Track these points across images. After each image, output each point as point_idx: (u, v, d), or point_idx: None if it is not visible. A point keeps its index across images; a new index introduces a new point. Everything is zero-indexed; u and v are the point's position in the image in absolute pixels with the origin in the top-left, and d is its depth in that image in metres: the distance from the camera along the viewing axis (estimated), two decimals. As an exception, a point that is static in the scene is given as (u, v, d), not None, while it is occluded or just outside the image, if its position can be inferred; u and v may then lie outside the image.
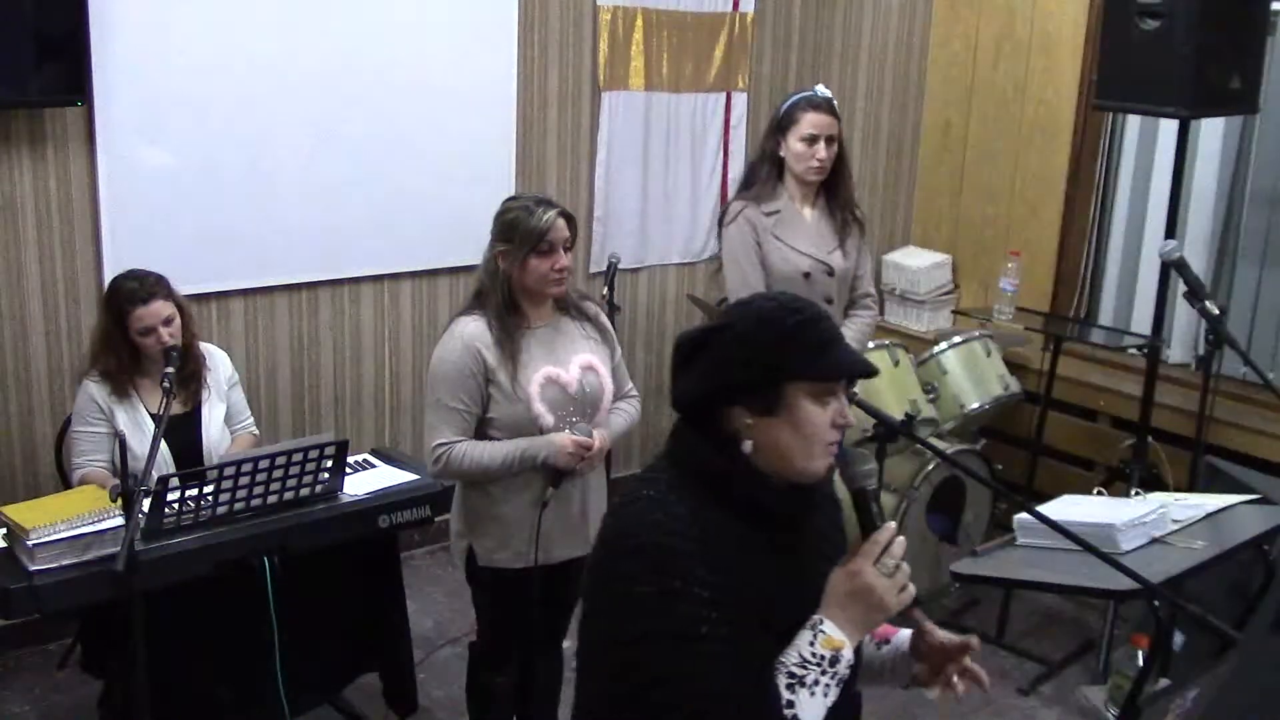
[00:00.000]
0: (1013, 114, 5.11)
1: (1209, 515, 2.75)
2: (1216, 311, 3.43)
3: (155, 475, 2.81)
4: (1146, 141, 4.77)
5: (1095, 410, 4.71)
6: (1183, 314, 4.64)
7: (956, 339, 4.52)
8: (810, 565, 1.69)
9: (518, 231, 2.78)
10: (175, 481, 2.83)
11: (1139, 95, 3.83)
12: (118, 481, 2.61)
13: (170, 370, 2.99)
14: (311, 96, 4.01)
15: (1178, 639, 3.69)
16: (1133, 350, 4.51)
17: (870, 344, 3.96)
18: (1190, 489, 3.84)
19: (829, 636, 1.60)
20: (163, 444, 3.08)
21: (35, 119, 3.57)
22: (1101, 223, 5.02)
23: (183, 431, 3.21)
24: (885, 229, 5.54)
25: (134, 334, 3.12)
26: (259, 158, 3.95)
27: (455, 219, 4.28)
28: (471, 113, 4.37)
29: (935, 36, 5.40)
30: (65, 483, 3.33)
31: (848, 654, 1.60)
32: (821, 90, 3.60)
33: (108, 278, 3.45)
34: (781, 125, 3.55)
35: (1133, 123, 4.82)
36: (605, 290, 4.52)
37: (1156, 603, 2.74)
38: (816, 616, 1.62)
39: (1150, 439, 4.09)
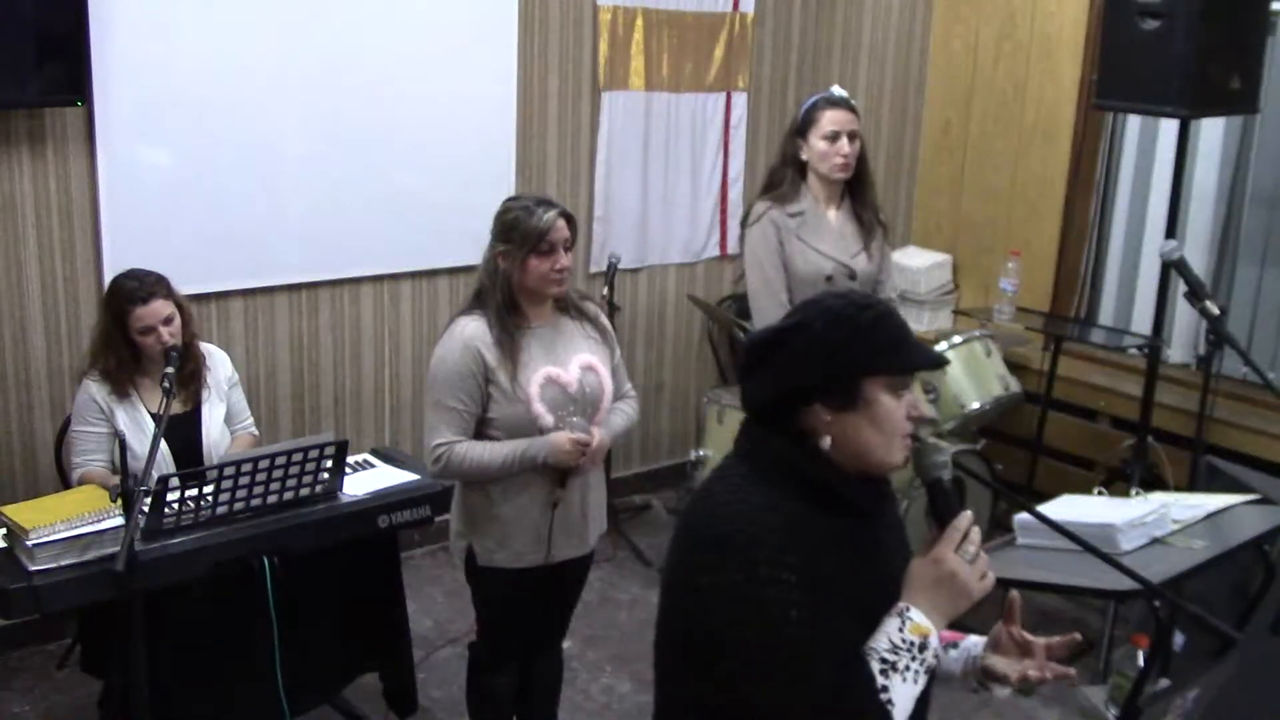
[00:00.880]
0: (1013, 114, 5.11)
1: (1209, 515, 2.75)
2: (1216, 311, 3.42)
3: (155, 475, 2.81)
4: (1146, 141, 4.77)
5: (1095, 410, 4.71)
6: (1183, 314, 4.64)
7: (956, 339, 4.52)
8: (885, 555, 1.73)
9: (518, 232, 2.78)
10: (175, 481, 2.82)
11: (1139, 95, 3.83)
12: (118, 481, 2.61)
13: (170, 370, 2.99)
14: (311, 96, 4.01)
15: (1178, 639, 3.69)
16: (1133, 350, 4.51)
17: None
18: (1190, 489, 3.83)
19: (916, 623, 1.63)
20: (163, 444, 3.08)
21: (35, 119, 3.57)
22: (1101, 223, 5.02)
23: (183, 431, 3.21)
24: (887, 225, 5.53)
25: (134, 334, 3.12)
26: (259, 158, 3.95)
27: (455, 219, 4.28)
28: (471, 112, 4.37)
29: (935, 36, 5.40)
30: (65, 483, 3.33)
31: (934, 641, 1.64)
32: (838, 90, 3.60)
33: (108, 278, 3.44)
34: (802, 127, 3.54)
35: (1133, 123, 4.82)
36: (605, 290, 4.53)
37: (1156, 603, 2.74)
38: (902, 604, 1.65)
39: (1150, 439, 4.09)
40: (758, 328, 3.44)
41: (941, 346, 4.51)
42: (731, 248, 5.11)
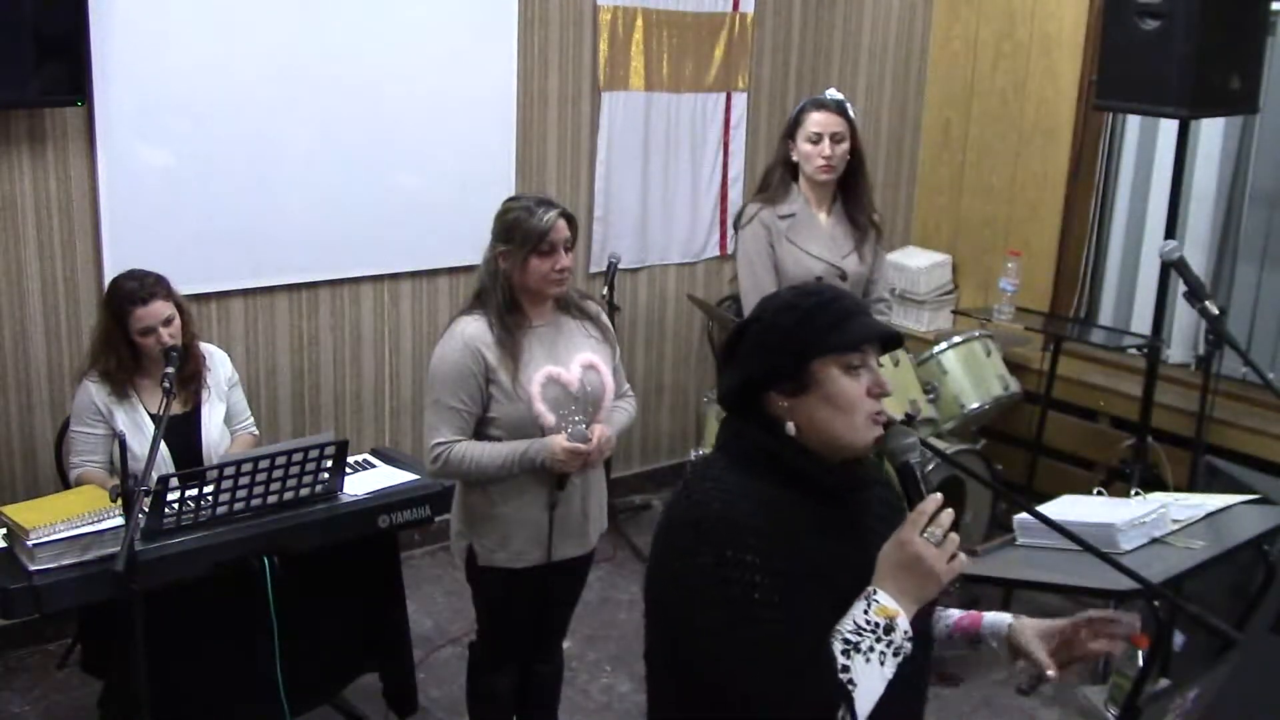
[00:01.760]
0: (1013, 114, 5.11)
1: (1209, 515, 2.75)
2: (1216, 311, 3.42)
3: (155, 475, 2.81)
4: (1146, 141, 4.77)
5: (1095, 410, 4.71)
6: (1183, 314, 4.64)
7: (956, 339, 4.52)
8: (868, 542, 1.73)
9: (519, 232, 2.78)
10: (175, 481, 2.83)
11: (1139, 95, 3.83)
12: (117, 481, 2.61)
13: (170, 370, 2.99)
14: (312, 96, 4.01)
15: (1178, 639, 3.69)
16: (1133, 350, 4.51)
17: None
18: (1190, 489, 3.84)
19: (882, 605, 1.63)
20: (162, 444, 3.08)
21: (35, 119, 3.57)
22: (1101, 223, 5.02)
23: (182, 432, 3.21)
24: (885, 229, 5.51)
25: (134, 334, 3.12)
26: (259, 158, 3.95)
27: (455, 219, 4.28)
28: (471, 113, 4.37)
29: (935, 36, 5.40)
30: (65, 483, 3.33)
31: (903, 623, 1.63)
32: (831, 93, 3.62)
33: (108, 278, 3.44)
34: (791, 128, 3.60)
35: (1133, 123, 4.82)
36: (605, 290, 4.53)
37: (1156, 603, 2.74)
38: (870, 587, 1.66)
39: (1150, 439, 4.09)
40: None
41: (941, 346, 4.52)
42: (731, 248, 5.11)
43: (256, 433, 3.53)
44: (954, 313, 5.30)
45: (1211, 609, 2.21)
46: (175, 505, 2.83)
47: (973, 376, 4.48)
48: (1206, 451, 4.03)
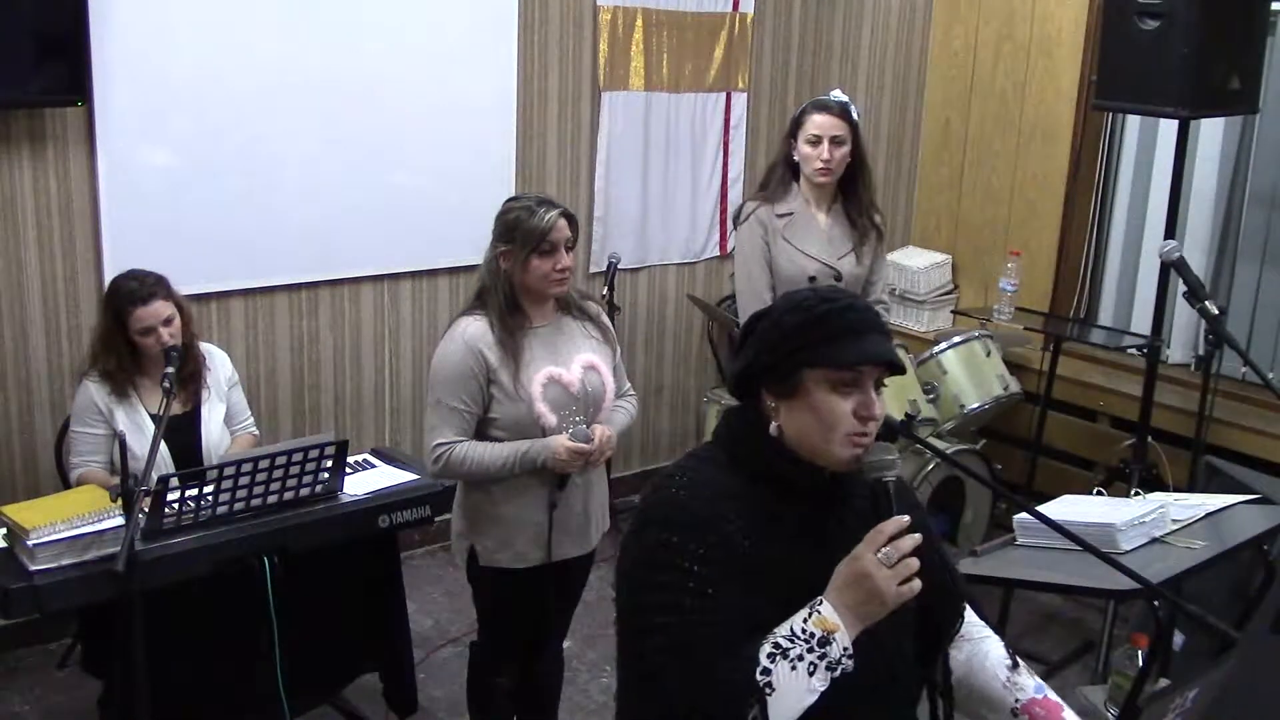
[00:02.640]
0: (1013, 114, 5.11)
1: (1209, 515, 2.75)
2: (1216, 311, 3.42)
3: (155, 475, 2.81)
4: (1146, 141, 4.77)
5: (1095, 410, 4.71)
6: (1183, 314, 4.64)
7: (956, 339, 4.52)
8: (835, 550, 1.70)
9: (519, 232, 2.78)
10: (175, 481, 2.83)
11: (1139, 95, 3.82)
12: (118, 481, 2.61)
13: (170, 370, 2.99)
14: (312, 96, 4.01)
15: (1178, 639, 3.69)
16: (1132, 350, 4.51)
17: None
18: (1190, 489, 3.84)
19: (823, 617, 1.61)
20: (162, 444, 3.08)
21: (35, 119, 3.57)
22: (1101, 223, 5.02)
23: (183, 431, 3.21)
24: (885, 229, 5.53)
25: (134, 334, 3.12)
26: (259, 158, 3.95)
27: (455, 219, 4.28)
28: (472, 112, 4.37)
29: (935, 36, 5.39)
30: (65, 483, 3.33)
31: (842, 639, 1.60)
32: (835, 95, 3.62)
33: (108, 278, 3.44)
34: (793, 128, 3.60)
35: (1133, 123, 4.82)
36: (605, 290, 4.53)
37: (1156, 603, 2.74)
38: (818, 598, 1.64)
39: (1150, 439, 4.09)
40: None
41: (941, 347, 4.52)
42: (731, 247, 5.11)
43: (256, 433, 3.53)
44: (954, 313, 5.30)
45: (1211, 609, 2.21)
46: (175, 505, 2.83)
47: (973, 376, 4.48)
48: (1206, 451, 4.03)
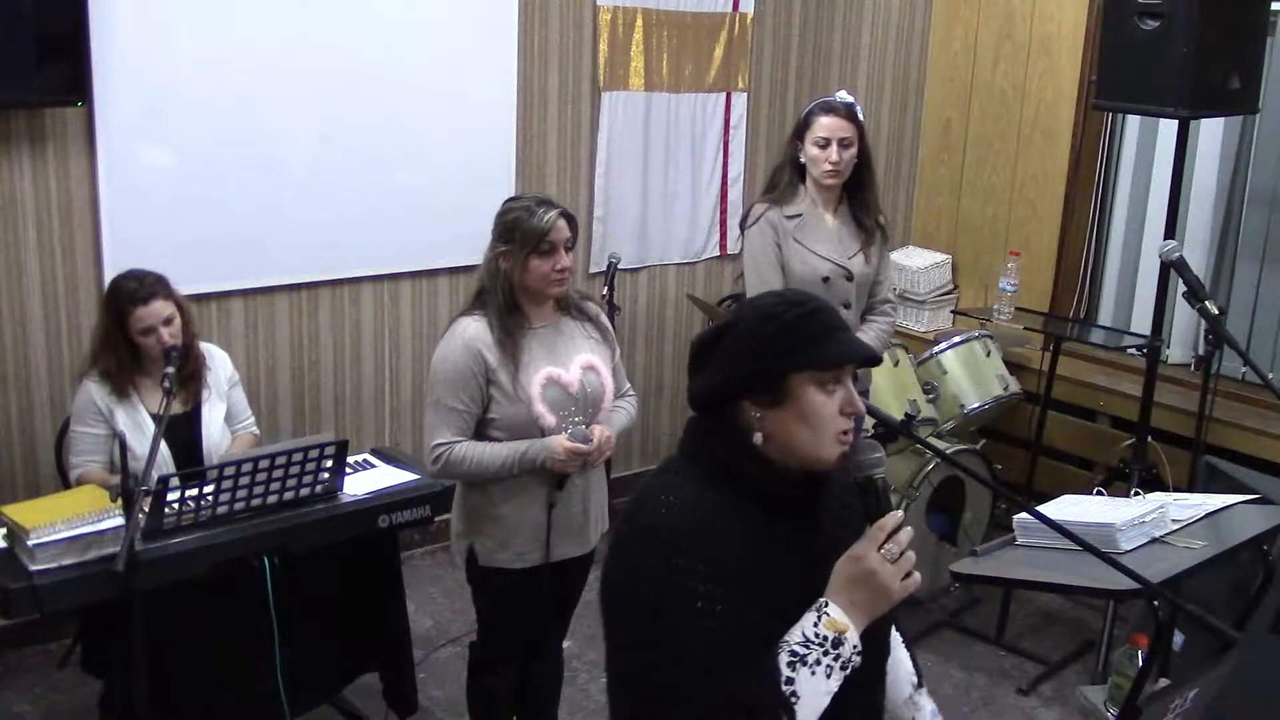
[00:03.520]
0: (1013, 114, 5.11)
1: (1209, 515, 2.75)
2: (1216, 311, 3.43)
3: (155, 475, 2.81)
4: (1146, 141, 4.77)
5: (1095, 410, 4.71)
6: (1182, 314, 4.64)
7: (956, 339, 4.52)
8: (825, 552, 1.72)
9: (519, 232, 2.78)
10: (175, 481, 2.83)
11: (1139, 95, 3.82)
12: (117, 481, 2.61)
13: (170, 370, 2.99)
14: (312, 96, 4.01)
15: (1177, 639, 3.69)
16: (1132, 350, 4.51)
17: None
18: (1190, 489, 3.84)
19: (832, 619, 1.62)
20: (163, 444, 3.08)
21: (35, 119, 3.57)
22: (1101, 223, 5.02)
23: (183, 431, 3.21)
24: (889, 229, 5.53)
25: (134, 334, 3.12)
26: (259, 158, 3.95)
27: (455, 219, 4.28)
28: (472, 113, 4.37)
29: (935, 36, 5.40)
30: (65, 483, 3.33)
31: (852, 638, 1.62)
32: (842, 96, 3.62)
33: (108, 278, 3.44)
34: (799, 130, 3.59)
35: (1133, 123, 4.83)
36: (605, 290, 4.53)
37: (1156, 603, 2.74)
38: (822, 600, 1.65)
39: (1150, 439, 4.09)
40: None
41: (941, 347, 4.52)
42: (731, 248, 5.12)
43: (257, 432, 3.53)
44: (954, 313, 5.31)
45: (1211, 609, 2.21)
46: (175, 505, 2.83)
47: (972, 376, 4.48)
48: (1206, 451, 4.03)
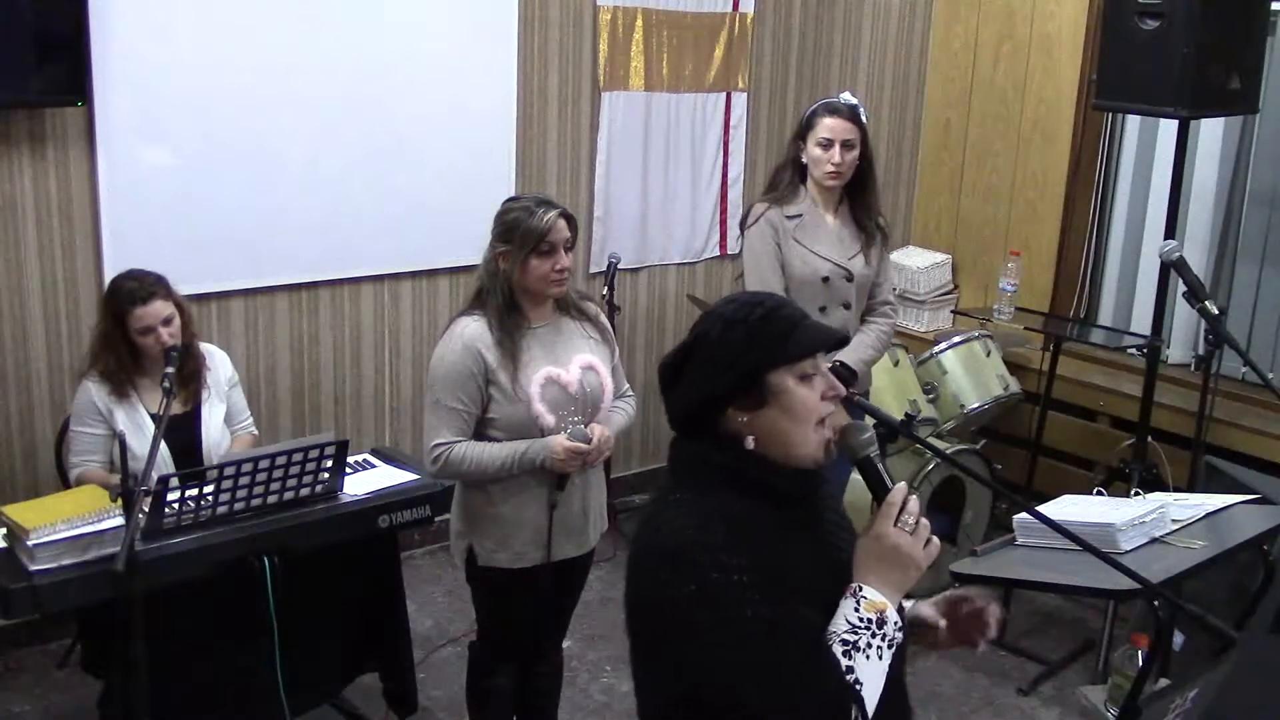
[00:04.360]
0: (1013, 114, 5.11)
1: (1209, 515, 2.75)
2: (1216, 311, 3.43)
3: (155, 475, 2.81)
4: (1146, 141, 4.77)
5: (1095, 410, 4.71)
6: (1183, 314, 4.64)
7: (956, 339, 4.53)
8: (833, 541, 1.76)
9: (518, 232, 2.78)
10: (175, 481, 2.83)
11: (1139, 95, 3.82)
12: (117, 481, 2.61)
13: (170, 370, 2.99)
14: (312, 96, 4.01)
15: (1177, 639, 3.69)
16: (1132, 350, 4.51)
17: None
18: (1190, 489, 3.84)
19: (870, 600, 1.65)
20: (163, 444, 3.08)
21: (35, 119, 3.57)
22: (1101, 223, 5.02)
23: (182, 431, 3.21)
24: (889, 231, 5.53)
25: (134, 334, 3.12)
26: (259, 158, 3.95)
27: (455, 219, 4.28)
28: (472, 113, 4.37)
29: (935, 36, 5.40)
30: (65, 483, 3.33)
31: (892, 615, 1.65)
32: (846, 97, 3.61)
33: (108, 278, 3.44)
34: (802, 130, 3.58)
35: (1133, 123, 4.83)
36: (605, 290, 4.53)
37: (1156, 603, 2.74)
38: (854, 584, 1.67)
39: (1150, 439, 4.09)
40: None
41: (941, 347, 4.52)
42: (731, 248, 5.12)
43: (256, 432, 3.53)
44: (954, 313, 5.31)
45: (1211, 609, 2.21)
46: (175, 505, 2.83)
47: (972, 376, 4.48)
48: (1206, 451, 4.03)
